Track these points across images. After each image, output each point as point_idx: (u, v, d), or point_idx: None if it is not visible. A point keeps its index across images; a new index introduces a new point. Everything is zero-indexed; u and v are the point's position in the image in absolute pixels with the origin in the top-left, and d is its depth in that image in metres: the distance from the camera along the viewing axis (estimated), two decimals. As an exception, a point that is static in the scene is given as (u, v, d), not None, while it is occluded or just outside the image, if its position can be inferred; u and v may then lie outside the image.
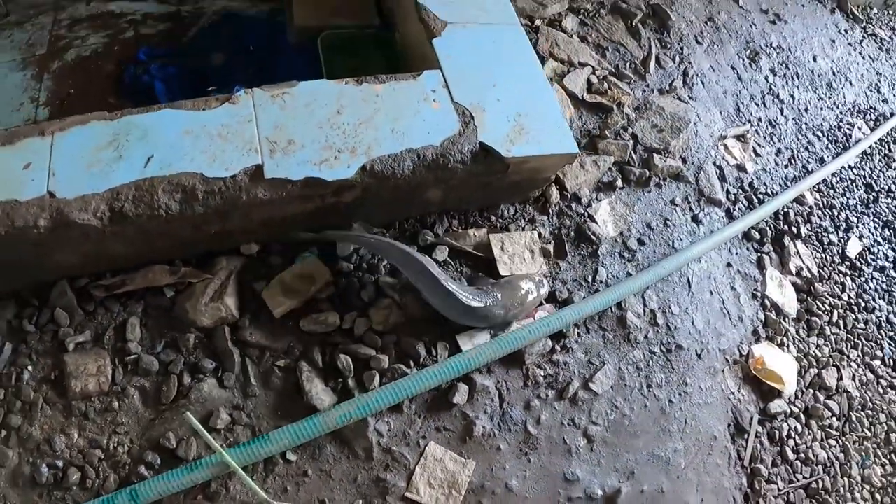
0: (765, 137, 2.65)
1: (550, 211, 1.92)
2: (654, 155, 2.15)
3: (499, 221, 1.86)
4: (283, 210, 1.58)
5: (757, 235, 2.34)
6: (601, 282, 1.90)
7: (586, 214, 1.96)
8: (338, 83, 1.71)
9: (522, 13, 2.32)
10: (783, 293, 2.30)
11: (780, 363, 2.14)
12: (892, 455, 2.24)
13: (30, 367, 1.58)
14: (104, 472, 1.45)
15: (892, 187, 3.00)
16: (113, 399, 1.54)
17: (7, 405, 1.53)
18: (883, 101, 3.39)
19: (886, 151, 3.16)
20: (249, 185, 1.51)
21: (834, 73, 3.25)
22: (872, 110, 3.28)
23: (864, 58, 3.56)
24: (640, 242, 2.02)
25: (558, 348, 1.78)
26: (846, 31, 3.64)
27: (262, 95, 1.66)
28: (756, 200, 2.41)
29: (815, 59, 3.21)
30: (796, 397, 2.15)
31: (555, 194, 1.93)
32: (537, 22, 2.32)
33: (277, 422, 1.50)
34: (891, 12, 4.19)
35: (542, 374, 1.73)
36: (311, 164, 1.54)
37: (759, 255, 2.31)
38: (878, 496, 2.13)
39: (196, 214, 1.51)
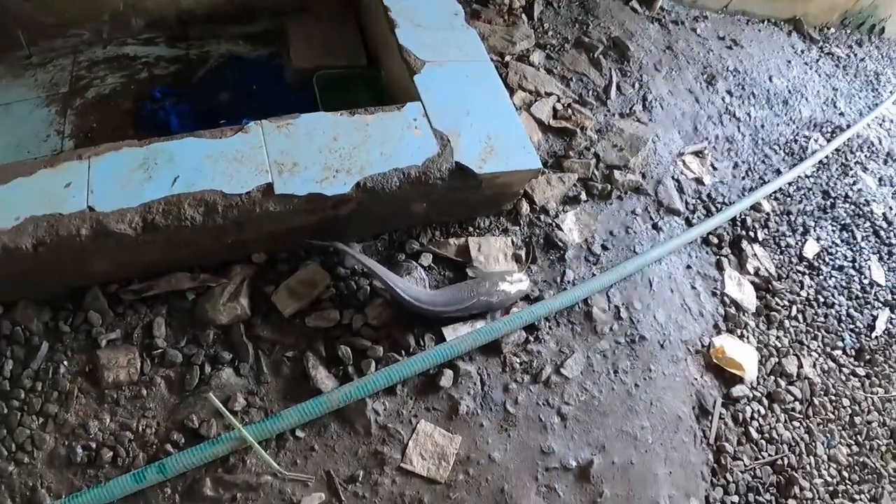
0: (722, 153, 2.92)
1: (522, 222, 2.19)
2: (615, 171, 2.43)
3: (476, 231, 2.13)
4: (290, 221, 1.86)
5: (715, 240, 2.60)
6: (569, 282, 2.16)
7: (554, 224, 2.23)
8: (333, 115, 2.01)
9: (494, 50, 2.62)
10: (742, 290, 2.55)
11: (741, 352, 2.37)
12: (858, 436, 2.44)
13: (65, 362, 1.79)
14: (134, 452, 1.68)
15: (850, 194, 3.25)
16: (142, 387, 1.77)
17: (44, 395, 1.74)
18: (839, 114, 3.66)
19: (843, 161, 3.42)
20: (262, 200, 1.79)
21: (790, 92, 3.54)
22: (829, 123, 3.56)
23: (820, 75, 3.85)
24: (604, 248, 2.29)
25: (532, 339, 2.03)
26: (803, 51, 3.95)
27: (270, 126, 1.95)
28: (714, 209, 2.67)
29: (770, 80, 3.50)
30: (758, 383, 2.37)
31: (525, 207, 2.20)
32: (507, 58, 2.62)
33: (287, 404, 1.75)
34: (848, 31, 4.50)
35: (518, 361, 1.98)
36: (314, 182, 1.82)
37: (717, 257, 2.56)
38: (845, 473, 2.33)
39: (216, 225, 1.78)
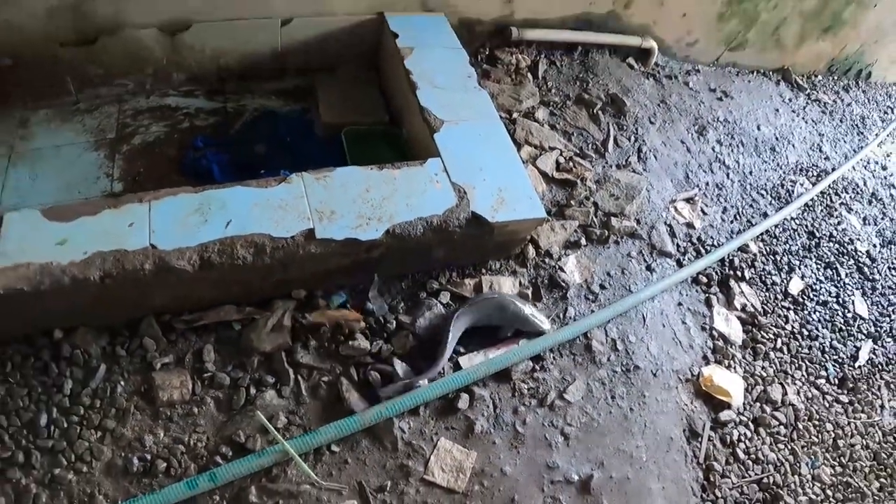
0: (712, 199, 3.21)
1: (528, 264, 2.48)
2: (612, 218, 2.71)
3: (488, 272, 2.42)
4: (328, 262, 2.14)
5: (705, 280, 2.86)
6: (570, 318, 2.44)
7: (557, 266, 2.51)
8: (365, 169, 2.31)
9: (503, 108, 2.93)
10: (729, 325, 2.81)
11: (728, 380, 2.62)
12: (841, 458, 2.66)
13: (122, 383, 2.00)
14: (185, 463, 1.90)
15: (834, 233, 3.51)
16: (193, 406, 2.00)
17: (102, 412, 1.93)
18: (825, 158, 3.95)
19: (828, 203, 3.69)
20: (304, 243, 2.06)
21: (777, 139, 3.83)
22: (815, 167, 3.84)
23: (806, 122, 4.15)
24: (602, 287, 2.56)
25: (538, 368, 2.29)
26: (790, 99, 4.25)
27: (310, 178, 2.24)
28: (703, 251, 2.94)
29: (759, 128, 3.80)
30: (745, 409, 2.61)
31: (532, 251, 2.49)
32: (515, 115, 2.93)
33: (323, 422, 2.02)
34: (835, 77, 4.80)
35: (526, 387, 2.24)
36: (349, 229, 2.10)
37: (706, 295, 2.82)
38: (829, 492, 2.55)
39: (265, 265, 2.04)
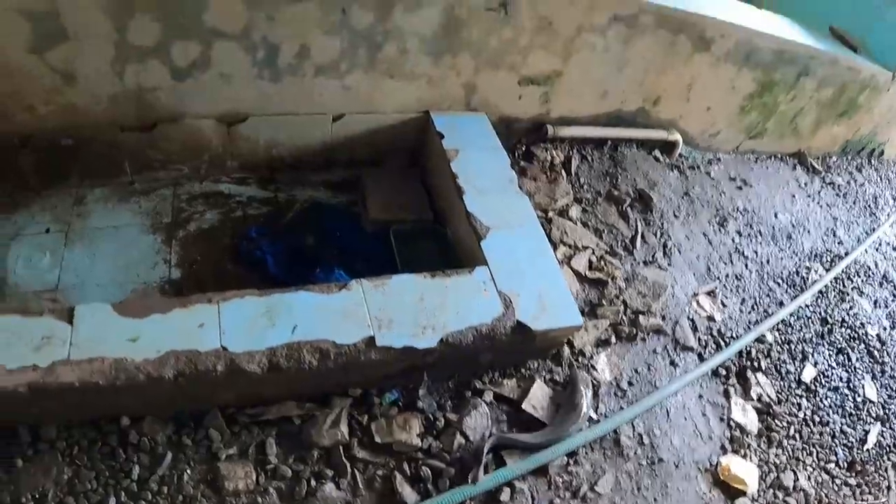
0: (731, 290, 3.44)
1: (563, 363, 2.72)
2: (640, 315, 2.96)
3: (527, 373, 2.66)
4: (386, 367, 2.38)
5: (723, 372, 3.09)
6: (601, 414, 2.67)
7: (589, 364, 2.75)
8: (418, 277, 2.54)
9: (539, 206, 3.19)
10: (746, 416, 3.02)
11: (744, 470, 2.83)
12: (848, 539, 2.87)
13: (188, 471, 2.12)
14: None
15: (846, 318, 3.73)
16: (257, 496, 2.17)
17: (170, 498, 2.06)
18: (838, 243, 4.17)
19: (840, 288, 3.91)
20: (365, 350, 2.28)
21: (793, 226, 4.07)
22: (828, 252, 4.06)
23: (821, 206, 4.38)
24: (630, 384, 2.80)
25: (571, 462, 2.52)
26: (806, 183, 4.48)
27: (368, 285, 2.47)
28: (723, 344, 3.17)
29: (776, 216, 4.03)
30: (759, 496, 2.82)
31: (566, 351, 2.73)
32: (550, 213, 3.19)
33: (380, 515, 2.26)
34: (848, 158, 5.03)
35: (561, 480, 2.47)
36: (407, 337, 2.31)
37: (725, 387, 3.05)
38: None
39: (328, 369, 2.25)
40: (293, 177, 3.37)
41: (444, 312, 2.44)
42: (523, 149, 3.45)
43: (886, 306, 3.96)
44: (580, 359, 2.74)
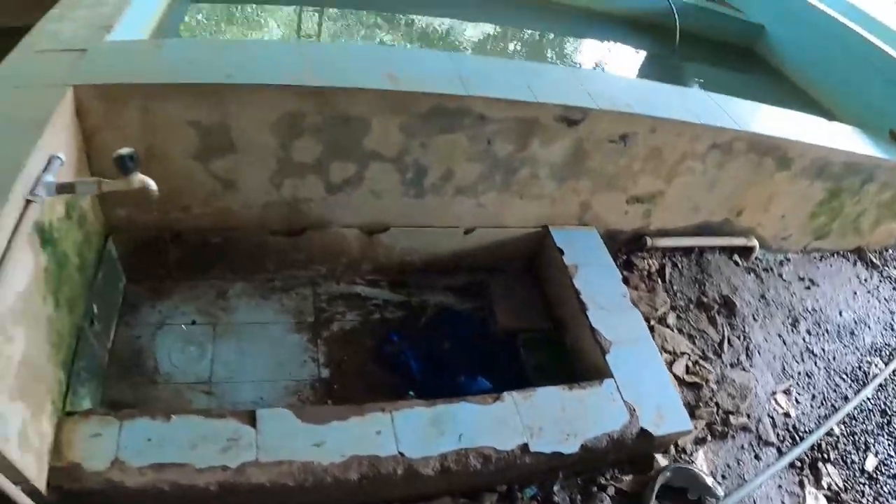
0: (803, 387, 3.96)
1: (669, 460, 3.28)
2: (730, 415, 3.50)
3: (642, 468, 3.22)
4: (535, 469, 2.92)
5: (798, 464, 3.61)
6: (701, 505, 3.22)
7: (690, 460, 3.30)
8: (558, 389, 2.99)
9: (644, 315, 3.76)
10: None
11: (817, 553, 3.36)
12: None
13: None
14: None
15: (903, 410, 4.21)
16: None
17: None
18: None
19: (897, 380, 4.40)
20: (521, 455, 2.74)
21: (856, 322, 4.56)
22: (887, 346, 4.55)
23: (880, 301, 4.86)
24: (723, 478, 3.34)
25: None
26: (866, 279, 4.97)
27: (518, 396, 2.93)
28: (798, 438, 3.69)
29: (840, 314, 4.54)
30: (829, 575, 3.34)
31: (672, 448, 3.29)
32: (652, 322, 3.74)
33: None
34: (904, 251, 5.49)
35: (669, 564, 3.03)
36: (554, 443, 2.78)
37: (800, 477, 3.56)
38: None
39: (489, 472, 2.74)
40: (420, 280, 3.74)
41: (581, 421, 2.97)
42: (624, 258, 4.01)
43: (939, 394, 4.42)
44: (682, 455, 3.29)
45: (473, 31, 6.75)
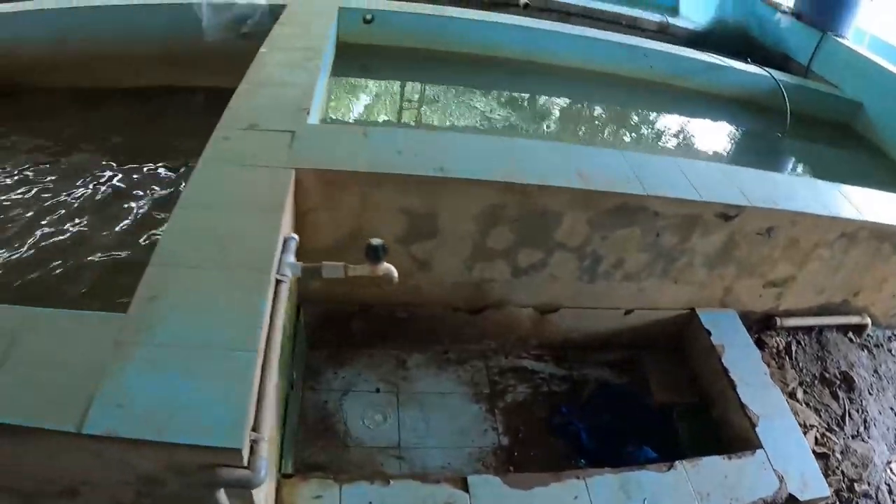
0: (913, 456, 4.55)
1: (806, 521, 3.91)
2: (854, 483, 4.12)
3: (784, 527, 3.87)
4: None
5: (910, 526, 4.22)
6: (833, 562, 3.86)
7: (824, 522, 3.94)
8: (718, 458, 3.59)
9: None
10: (926, 561, 4.15)
11: None
12: None
13: None
14: None
15: None
16: None
17: None
18: None
19: None
20: None
21: (952, 394, 5.11)
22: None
23: (973, 371, 5.39)
24: (855, 536, 3.97)
25: None
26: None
27: (688, 465, 3.48)
28: (909, 504, 4.29)
29: (939, 388, 5.09)
30: None
31: (809, 511, 3.92)
32: (784, 396, 4.39)
33: None
34: None
35: None
36: None
37: (913, 540, 4.17)
38: None
39: None
40: (579, 355, 4.19)
41: (740, 488, 3.65)
42: (756, 336, 4.65)
43: None
44: (814, 516, 3.93)
45: (589, 112, 7.33)
